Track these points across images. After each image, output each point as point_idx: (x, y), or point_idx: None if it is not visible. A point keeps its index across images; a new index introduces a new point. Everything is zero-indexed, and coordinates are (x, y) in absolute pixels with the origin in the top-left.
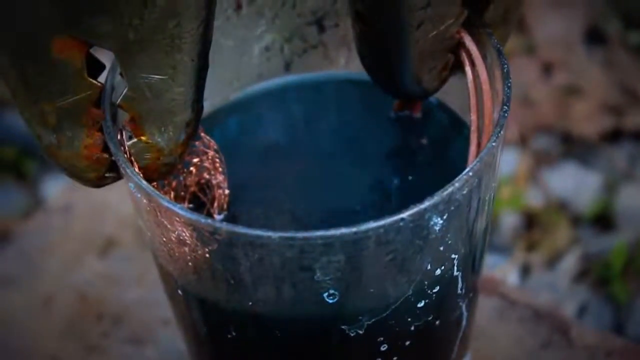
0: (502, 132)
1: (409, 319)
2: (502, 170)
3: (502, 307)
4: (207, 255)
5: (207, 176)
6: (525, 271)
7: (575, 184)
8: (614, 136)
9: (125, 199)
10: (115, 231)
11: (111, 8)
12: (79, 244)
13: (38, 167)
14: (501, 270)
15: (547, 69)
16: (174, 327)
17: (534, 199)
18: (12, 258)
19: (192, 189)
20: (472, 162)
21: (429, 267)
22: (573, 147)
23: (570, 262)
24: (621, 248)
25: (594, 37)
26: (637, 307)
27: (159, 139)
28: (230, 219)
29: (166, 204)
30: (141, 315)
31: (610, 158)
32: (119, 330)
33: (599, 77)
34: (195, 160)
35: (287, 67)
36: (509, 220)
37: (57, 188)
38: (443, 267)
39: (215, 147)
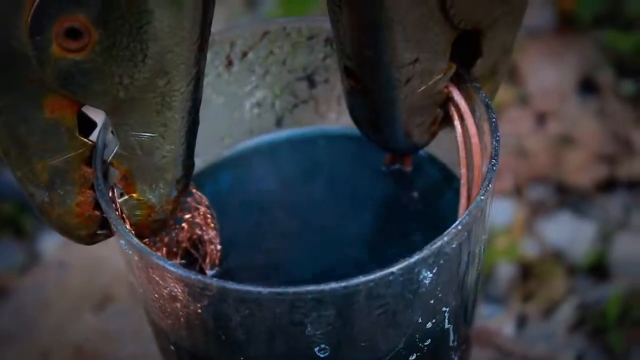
0: (490, 186)
1: None
2: (498, 221)
3: (498, 358)
4: (199, 311)
5: (199, 232)
6: (522, 322)
7: (570, 234)
8: (609, 186)
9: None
10: (112, 286)
11: (101, 67)
12: (76, 299)
13: (36, 222)
14: (497, 321)
15: (541, 119)
16: None
17: (529, 249)
18: (9, 314)
19: (184, 245)
20: (461, 216)
21: (420, 320)
22: (568, 197)
23: (566, 312)
24: (617, 297)
25: (588, 87)
26: (634, 356)
27: (151, 196)
28: (223, 274)
29: (157, 260)
30: None
31: (605, 208)
32: None
33: (593, 126)
34: (188, 216)
35: (279, 123)
36: (505, 271)
37: (53, 244)
38: (434, 320)
39: (207, 203)
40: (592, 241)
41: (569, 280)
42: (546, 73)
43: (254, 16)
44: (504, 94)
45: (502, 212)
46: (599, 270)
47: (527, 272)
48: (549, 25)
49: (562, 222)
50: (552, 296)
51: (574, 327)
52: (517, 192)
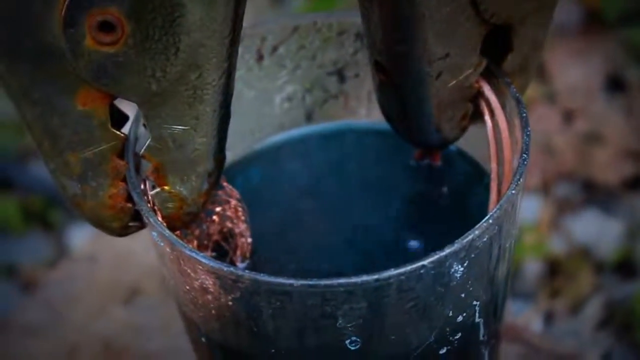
0: (521, 180)
1: None
2: (525, 217)
3: (526, 353)
4: (230, 303)
5: (230, 225)
6: (549, 318)
7: (597, 230)
8: (636, 183)
9: (149, 247)
10: (140, 280)
11: (134, 60)
12: (104, 293)
13: (64, 216)
14: (525, 317)
15: (568, 116)
16: None
17: (556, 246)
18: (38, 307)
19: (214, 237)
20: (492, 210)
21: (450, 313)
22: (595, 194)
23: (593, 309)
24: None
25: (614, 84)
26: None
27: (182, 189)
28: (253, 267)
29: (189, 252)
30: None
31: (632, 205)
32: None
33: (620, 123)
34: (218, 209)
35: (308, 117)
36: (533, 267)
37: (82, 237)
38: (465, 314)
39: (238, 196)
40: (619, 238)
41: (596, 277)
42: (573, 70)
43: (280, 12)
44: (531, 91)
45: (529, 208)
46: (626, 267)
47: (554, 268)
48: (576, 23)
49: (589, 219)
50: (579, 293)
51: (601, 323)
52: (544, 188)
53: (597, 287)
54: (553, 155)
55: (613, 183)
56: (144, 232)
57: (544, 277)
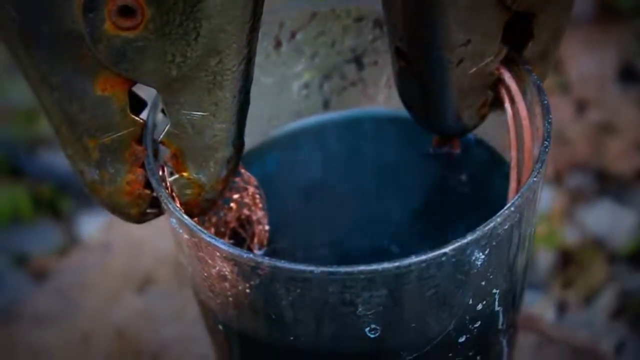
0: (542, 168)
1: (450, 354)
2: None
3: (541, 343)
4: (248, 290)
5: (247, 212)
6: (562, 308)
7: (610, 221)
8: None
9: (163, 235)
10: (153, 268)
11: (154, 45)
12: (117, 281)
13: (74, 204)
14: (538, 307)
15: (581, 107)
16: None
17: (569, 237)
18: (50, 296)
19: (232, 225)
20: (514, 198)
21: (470, 301)
22: (608, 185)
23: (606, 300)
24: None
25: (627, 74)
26: None
27: (201, 175)
28: (270, 254)
29: (208, 238)
30: (179, 352)
31: None
32: None
33: (633, 114)
34: (236, 196)
35: (326, 105)
36: (545, 258)
37: (93, 226)
38: (484, 302)
39: (256, 183)
40: (632, 228)
41: (609, 268)
42: (586, 61)
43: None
44: (545, 81)
45: (541, 199)
46: (639, 257)
47: (567, 259)
48: (589, 13)
49: (602, 209)
50: (592, 283)
51: (614, 314)
52: (557, 179)
53: (610, 277)
54: (566, 145)
55: (626, 173)
56: (156, 220)
57: (557, 267)
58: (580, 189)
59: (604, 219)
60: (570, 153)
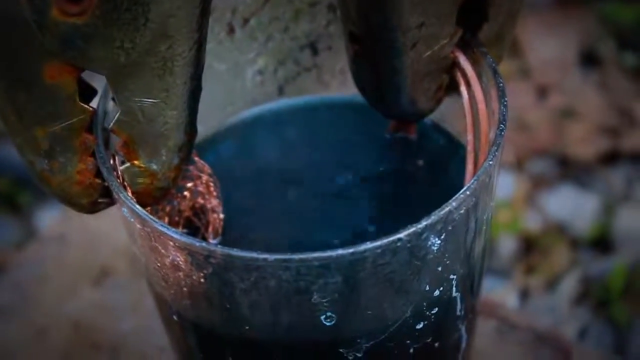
0: (498, 151)
1: (408, 342)
2: (500, 195)
3: (502, 329)
4: (202, 279)
5: (202, 201)
6: (525, 295)
7: (573, 206)
8: (611, 158)
9: (119, 228)
10: (110, 260)
11: (102, 31)
12: (73, 274)
13: (32, 197)
14: (500, 294)
15: (542, 92)
16: (170, 355)
17: (532, 223)
18: (6, 289)
19: (186, 213)
20: (469, 182)
21: (427, 288)
22: (570, 170)
23: (569, 285)
24: (620, 270)
25: (589, 59)
26: (638, 328)
27: (152, 163)
28: (225, 243)
29: (160, 227)
30: (137, 344)
31: (607, 180)
32: None
33: (595, 99)
34: (189, 184)
35: (281, 91)
36: (507, 244)
37: (51, 218)
38: (442, 288)
39: (209, 171)
40: (595, 214)
41: (571, 253)
42: (546, 45)
43: None
44: (504, 66)
45: (503, 185)
46: (601, 242)
47: (529, 245)
48: None
49: (564, 195)
50: (554, 269)
51: (577, 299)
52: (518, 165)
53: (573, 263)
54: (527, 131)
55: (588, 158)
56: (112, 211)
57: (519, 253)
58: (542, 174)
59: (566, 204)
60: (531, 139)
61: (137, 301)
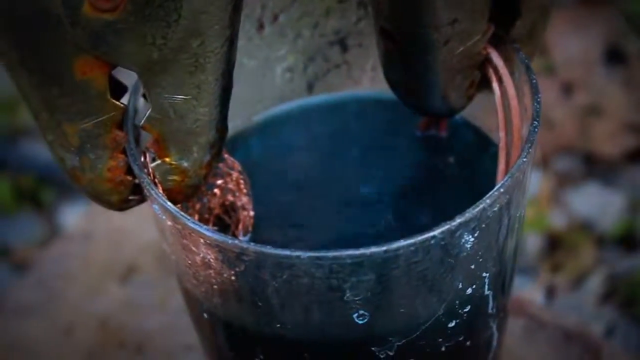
0: (532, 148)
1: (440, 340)
2: None
3: (531, 328)
4: (234, 277)
5: (232, 198)
6: (551, 293)
7: (598, 204)
8: (637, 155)
9: (145, 225)
10: (136, 257)
11: (134, 27)
12: (99, 272)
13: (56, 195)
14: (527, 291)
15: (567, 89)
16: (197, 353)
17: (557, 220)
18: (32, 287)
19: (216, 211)
20: (503, 179)
21: (460, 285)
22: (595, 168)
23: (595, 283)
24: None
25: (614, 56)
26: None
27: (183, 160)
28: (256, 241)
29: (192, 224)
30: (163, 342)
31: (633, 177)
32: (141, 358)
33: (620, 96)
34: (220, 182)
35: (310, 88)
36: (533, 242)
37: (75, 216)
38: (474, 286)
39: (240, 168)
40: (621, 211)
41: (597, 251)
42: (571, 42)
43: None
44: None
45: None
46: (628, 240)
47: (555, 243)
48: None
49: (590, 192)
50: (581, 267)
51: (603, 297)
52: (544, 162)
53: (599, 261)
54: (552, 128)
55: (613, 156)
56: (138, 209)
57: (545, 251)
58: (567, 172)
59: (592, 202)
60: (556, 136)
61: (163, 299)
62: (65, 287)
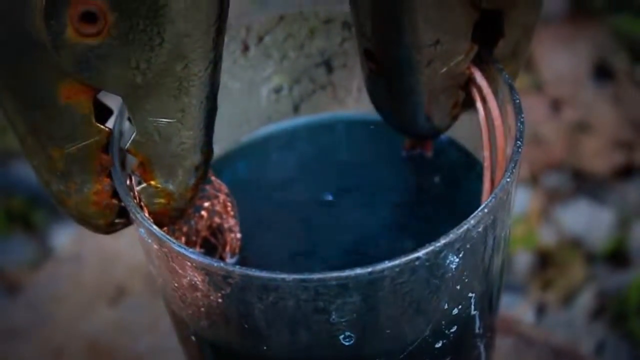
0: (516, 168)
1: None
2: (514, 209)
3: (520, 346)
4: (220, 300)
5: (219, 220)
6: (541, 310)
7: (588, 220)
8: (626, 172)
9: (135, 246)
10: (126, 279)
11: (117, 52)
12: (89, 293)
13: (46, 216)
14: (517, 309)
15: (556, 105)
16: None
17: (547, 237)
18: (22, 308)
19: (203, 233)
20: (487, 199)
21: (445, 306)
22: (585, 184)
23: (586, 300)
24: (637, 284)
25: (602, 72)
26: None
27: (169, 184)
28: (242, 263)
29: (178, 248)
30: None
31: (622, 194)
32: None
33: (609, 112)
34: (206, 204)
35: (296, 109)
36: (523, 259)
37: (66, 237)
38: (460, 306)
39: (226, 190)
40: (610, 228)
41: (587, 268)
42: (560, 59)
43: (262, 4)
44: (518, 80)
45: (518, 200)
46: (617, 256)
47: (545, 259)
48: (562, 10)
49: (580, 209)
50: (571, 284)
51: (594, 314)
52: (533, 179)
53: (589, 277)
54: (541, 145)
55: (603, 172)
56: (128, 231)
57: (535, 268)
58: (556, 188)
59: (582, 218)
60: (545, 153)
61: (153, 321)
62: (55, 308)
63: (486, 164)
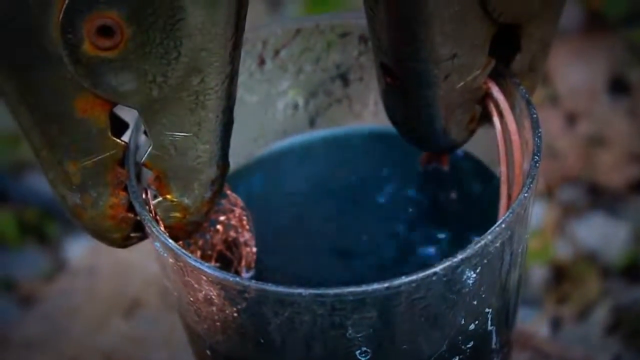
0: (533, 183)
1: None
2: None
3: None
4: (236, 314)
5: (234, 234)
6: (556, 324)
7: (603, 234)
8: None
9: (150, 259)
10: (141, 292)
11: (134, 65)
12: (104, 306)
13: (61, 228)
14: (532, 323)
15: (571, 119)
16: None
17: (562, 251)
18: (37, 321)
19: (218, 247)
20: (504, 214)
21: (462, 321)
22: (600, 198)
23: (601, 314)
24: None
25: (618, 85)
26: None
27: (185, 198)
28: (258, 277)
29: (193, 262)
30: None
31: (638, 208)
32: None
33: (624, 126)
34: (222, 218)
35: (312, 122)
36: (538, 273)
37: (80, 250)
38: (477, 322)
39: (242, 204)
40: (626, 242)
41: (603, 282)
42: (575, 72)
43: (277, 18)
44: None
45: (533, 213)
46: (633, 271)
47: (560, 274)
48: (578, 24)
49: (595, 223)
50: (586, 298)
51: (609, 329)
52: (548, 193)
53: (605, 292)
54: (556, 158)
55: (618, 186)
56: (143, 243)
57: (550, 282)
58: (572, 202)
59: (597, 232)
60: (560, 166)
61: (168, 334)
62: (70, 321)
63: (503, 178)
